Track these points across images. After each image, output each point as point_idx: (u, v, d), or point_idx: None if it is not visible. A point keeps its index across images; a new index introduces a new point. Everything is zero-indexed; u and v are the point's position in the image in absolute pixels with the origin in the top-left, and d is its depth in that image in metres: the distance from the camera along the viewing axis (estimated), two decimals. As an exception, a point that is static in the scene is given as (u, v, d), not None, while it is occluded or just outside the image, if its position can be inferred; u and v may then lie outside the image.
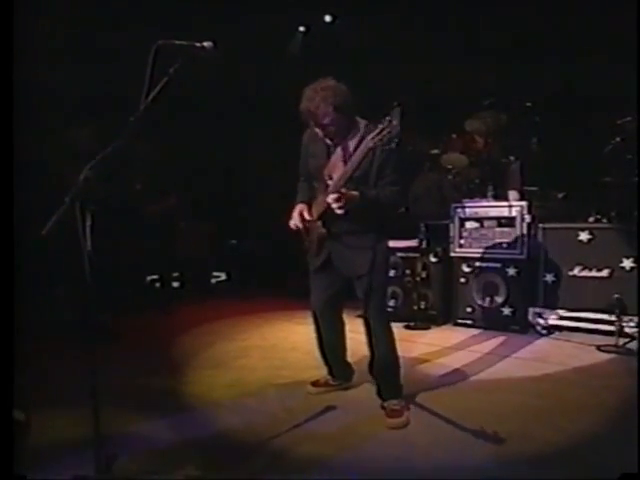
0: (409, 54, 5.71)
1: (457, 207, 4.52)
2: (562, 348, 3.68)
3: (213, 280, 6.97)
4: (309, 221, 2.57)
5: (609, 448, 2.14)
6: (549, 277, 4.05)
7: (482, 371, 3.18)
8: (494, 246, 4.26)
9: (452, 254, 4.50)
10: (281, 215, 2.87)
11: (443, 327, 4.43)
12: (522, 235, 4.12)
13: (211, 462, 2.09)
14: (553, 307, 4.01)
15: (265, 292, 6.17)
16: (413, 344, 3.81)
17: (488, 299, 4.27)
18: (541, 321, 4.04)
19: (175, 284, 6.26)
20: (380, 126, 2.07)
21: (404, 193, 2.66)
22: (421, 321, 4.38)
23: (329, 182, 2.39)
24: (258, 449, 2.18)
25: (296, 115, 2.42)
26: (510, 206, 4.21)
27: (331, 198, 2.26)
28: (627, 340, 3.59)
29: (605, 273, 3.82)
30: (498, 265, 4.23)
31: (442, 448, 2.17)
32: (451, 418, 2.46)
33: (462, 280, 4.42)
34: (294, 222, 2.62)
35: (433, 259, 4.52)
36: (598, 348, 3.56)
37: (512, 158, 4.81)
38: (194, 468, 2.02)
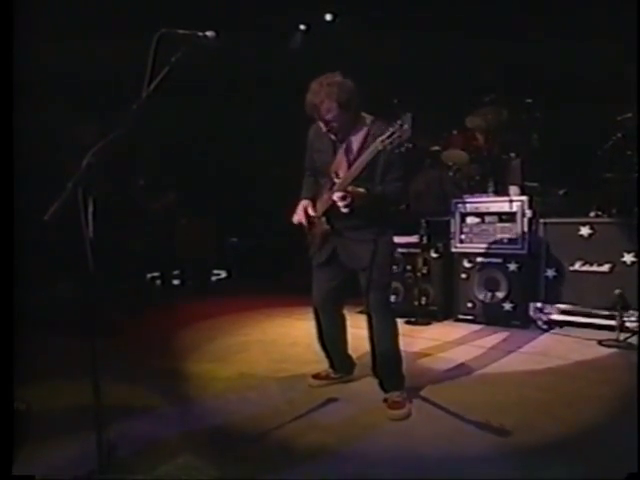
0: (409, 52, 5.72)
1: (458, 203, 4.52)
2: (563, 343, 3.68)
3: (213, 278, 6.97)
4: (313, 217, 2.57)
5: (610, 439, 2.14)
6: (550, 272, 4.04)
7: (483, 365, 3.18)
8: (495, 241, 4.27)
9: (453, 250, 4.51)
10: (281, 212, 2.88)
11: (444, 323, 4.43)
12: (523, 230, 4.12)
13: (213, 453, 2.08)
14: (554, 302, 4.01)
15: (265, 289, 6.18)
16: (414, 339, 3.81)
17: (489, 294, 4.27)
18: (542, 316, 4.04)
19: (175, 282, 6.27)
20: (391, 129, 2.06)
21: (406, 188, 2.66)
22: (422, 317, 4.38)
23: (335, 180, 2.39)
24: (260, 440, 2.18)
25: (297, 112, 2.43)
26: (511, 201, 4.21)
27: (337, 196, 2.26)
28: (628, 335, 3.59)
29: (606, 268, 3.82)
30: (499, 260, 4.23)
31: (444, 439, 2.17)
32: (453, 410, 2.46)
33: (463, 276, 4.42)
34: (298, 218, 2.63)
35: (434, 255, 4.52)
36: (599, 343, 3.56)
37: (513, 154, 4.81)
38: (195, 459, 2.02)
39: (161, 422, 2.38)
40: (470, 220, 4.43)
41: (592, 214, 4.05)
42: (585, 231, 3.92)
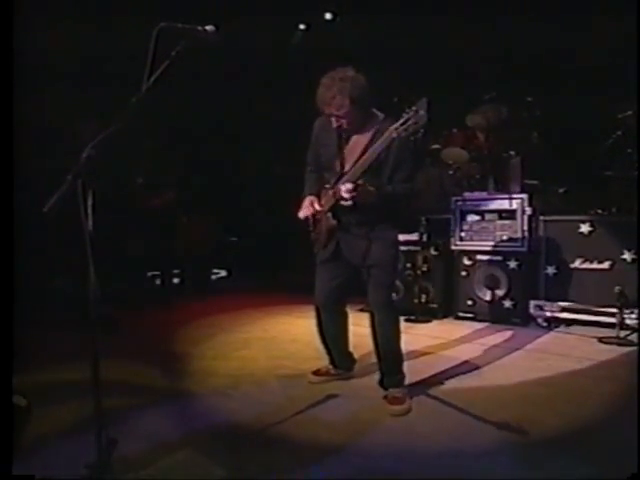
0: (409, 50, 5.72)
1: (458, 200, 4.52)
2: (563, 340, 3.68)
3: (213, 277, 6.97)
4: (319, 212, 2.55)
5: (610, 435, 2.14)
6: (550, 270, 4.04)
7: (483, 362, 3.18)
8: (495, 239, 4.26)
9: (453, 247, 4.51)
10: (281, 212, 2.88)
11: (444, 320, 4.43)
12: (523, 228, 4.12)
13: (213, 450, 2.08)
14: (554, 300, 4.01)
15: (265, 287, 6.18)
16: (414, 337, 3.81)
17: (489, 292, 4.27)
18: (542, 314, 4.04)
19: (175, 280, 6.27)
20: (405, 116, 2.02)
21: (415, 190, 2.64)
22: (422, 314, 4.38)
23: (342, 172, 2.36)
24: (261, 436, 2.17)
25: (298, 111, 2.43)
26: (511, 199, 4.21)
27: (346, 188, 2.23)
28: (628, 332, 3.58)
29: (606, 265, 3.82)
30: (499, 258, 4.23)
31: (444, 435, 2.17)
32: (453, 406, 2.46)
33: (463, 273, 4.42)
34: (304, 213, 2.60)
35: (434, 252, 4.52)
36: (599, 340, 3.56)
37: (513, 153, 4.81)
38: (195, 456, 2.01)
39: (161, 419, 2.38)
40: (470, 218, 4.43)
41: (592, 212, 4.06)
42: (585, 228, 3.92)
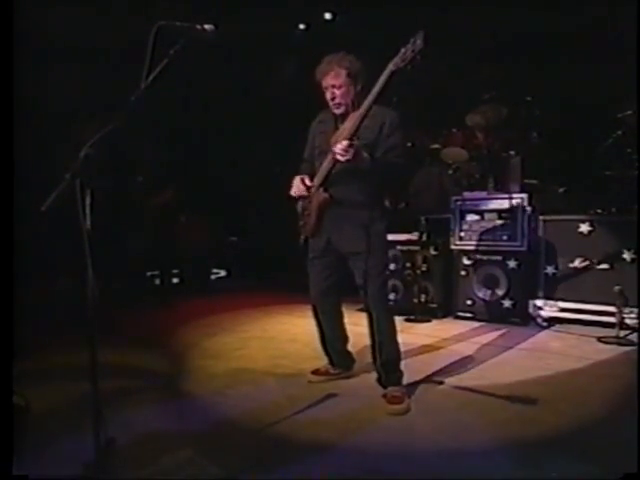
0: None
1: (457, 200, 4.52)
2: (563, 339, 3.67)
3: (213, 277, 6.97)
4: (310, 187, 2.54)
5: (610, 434, 2.14)
6: (550, 269, 4.04)
7: (483, 361, 3.18)
8: (494, 238, 4.26)
9: (452, 247, 4.50)
10: (281, 212, 2.87)
11: (443, 320, 4.43)
12: (522, 227, 4.12)
13: (212, 449, 2.08)
14: (554, 299, 4.01)
15: (265, 287, 6.18)
16: (414, 336, 3.81)
17: (488, 292, 4.27)
18: (542, 313, 4.04)
19: (175, 280, 6.27)
20: (403, 50, 2.04)
21: (407, 167, 2.65)
22: (421, 314, 4.37)
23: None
24: (260, 435, 2.17)
25: (298, 110, 2.43)
26: (510, 198, 4.21)
27: (342, 144, 2.22)
28: (628, 332, 3.58)
29: (606, 265, 3.82)
30: (498, 257, 4.23)
31: (443, 434, 2.17)
32: (452, 404, 2.47)
33: (462, 273, 4.41)
34: (296, 190, 2.59)
35: (433, 252, 4.52)
36: (599, 340, 3.56)
37: (512, 152, 4.81)
38: (194, 455, 2.01)
39: (160, 418, 2.38)
40: (470, 217, 4.43)
41: (592, 211, 4.05)
42: (585, 228, 3.92)
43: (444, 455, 2.01)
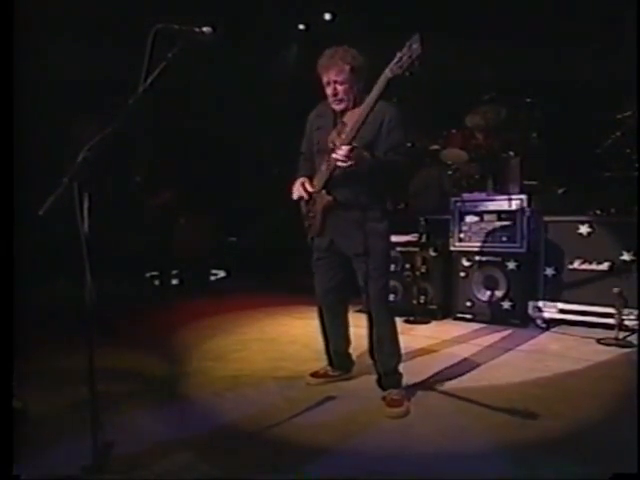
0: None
1: (457, 201, 4.52)
2: (562, 341, 3.67)
3: (212, 277, 6.96)
4: (312, 192, 2.53)
5: (609, 436, 2.14)
6: (549, 271, 4.04)
7: (482, 362, 3.18)
8: (494, 240, 4.26)
9: (452, 248, 4.50)
10: (281, 212, 2.87)
11: (443, 321, 4.42)
12: (522, 229, 4.11)
13: (211, 451, 2.07)
14: (553, 300, 4.00)
15: (264, 288, 6.17)
16: (413, 337, 3.81)
17: (488, 293, 4.26)
18: (541, 315, 4.03)
19: (174, 281, 6.27)
20: (399, 54, 2.01)
21: (408, 164, 2.62)
22: (421, 315, 4.37)
23: (334, 147, 2.34)
24: (258, 438, 2.17)
25: (298, 110, 2.43)
26: (510, 199, 4.20)
27: (343, 151, 2.20)
28: (627, 333, 3.58)
29: (605, 266, 3.81)
30: (498, 259, 4.22)
31: (442, 437, 2.17)
32: (451, 407, 2.46)
33: (462, 274, 4.41)
34: (298, 193, 2.58)
35: (433, 253, 4.51)
36: (598, 341, 3.55)
37: (512, 153, 4.80)
38: (193, 457, 2.01)
39: (159, 420, 2.37)
40: (469, 219, 4.42)
41: (591, 212, 4.05)
42: (584, 229, 3.92)
43: (443, 457, 2.01)
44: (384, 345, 2.53)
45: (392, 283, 4.53)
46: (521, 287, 4.12)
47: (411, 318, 4.34)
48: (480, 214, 4.37)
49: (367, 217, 2.42)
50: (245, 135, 7.00)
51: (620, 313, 3.55)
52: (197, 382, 2.91)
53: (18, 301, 2.02)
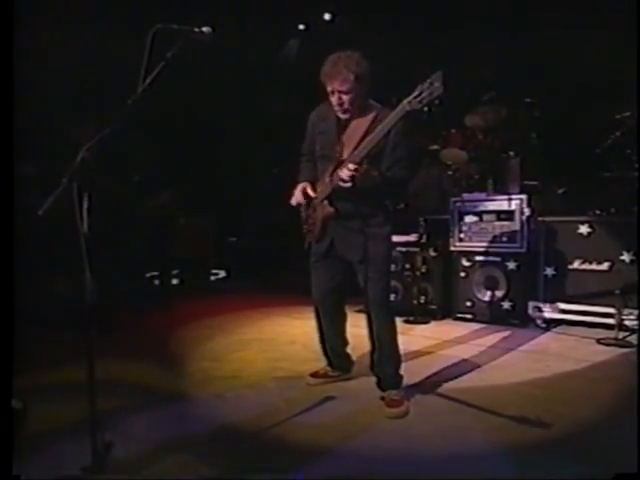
0: (408, 50, 5.72)
1: (457, 201, 4.51)
2: (562, 341, 3.67)
3: (212, 277, 6.96)
4: (313, 199, 2.53)
5: (609, 437, 2.14)
6: (549, 271, 4.04)
7: (482, 362, 3.18)
8: (494, 240, 4.26)
9: (452, 248, 4.50)
10: (281, 212, 2.86)
11: (443, 321, 4.42)
12: (522, 228, 4.11)
13: (210, 452, 2.07)
14: (553, 301, 4.00)
15: (264, 288, 6.17)
16: (413, 337, 3.81)
17: (488, 293, 4.26)
18: (541, 315, 4.03)
19: (174, 281, 6.26)
20: (420, 87, 1.96)
21: (414, 174, 2.60)
22: (421, 315, 4.37)
23: (340, 159, 2.34)
24: (258, 438, 2.17)
25: (297, 110, 2.42)
26: (510, 199, 4.20)
27: (349, 168, 2.18)
28: (627, 333, 3.58)
29: (605, 266, 3.81)
30: (498, 259, 4.22)
31: (442, 437, 2.17)
32: (451, 407, 2.46)
33: (462, 274, 4.41)
34: (296, 199, 2.57)
35: (433, 253, 4.51)
36: (598, 341, 3.55)
37: (512, 153, 4.80)
38: (192, 458, 2.01)
39: (158, 420, 2.37)
40: (469, 219, 4.42)
41: (591, 212, 4.05)
42: (584, 229, 3.92)
43: (443, 458, 2.01)
44: (384, 347, 2.52)
45: (392, 283, 4.51)
46: (521, 287, 4.12)
47: (411, 318, 4.34)
48: (480, 214, 4.37)
49: (369, 224, 2.42)
50: (245, 135, 7.00)
51: (620, 313, 3.55)
52: (196, 382, 2.91)
53: (18, 300, 2.02)
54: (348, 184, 2.22)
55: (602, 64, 4.82)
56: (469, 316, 4.34)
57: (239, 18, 5.75)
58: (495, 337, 3.82)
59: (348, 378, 2.85)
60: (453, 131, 5.29)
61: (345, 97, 2.31)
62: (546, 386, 2.75)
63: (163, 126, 5.91)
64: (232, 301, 5.41)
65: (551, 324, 4.03)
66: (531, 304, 4.08)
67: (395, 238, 4.44)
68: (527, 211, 4.12)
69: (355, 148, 2.26)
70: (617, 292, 3.58)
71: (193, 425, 2.32)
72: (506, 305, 4.17)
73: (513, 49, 5.23)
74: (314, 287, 2.68)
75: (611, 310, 3.64)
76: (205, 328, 4.19)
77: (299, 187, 2.57)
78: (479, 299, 4.30)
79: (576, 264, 3.93)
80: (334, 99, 2.35)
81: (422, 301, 4.44)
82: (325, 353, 2.83)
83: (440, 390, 2.70)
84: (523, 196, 4.18)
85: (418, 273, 4.46)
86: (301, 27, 7.13)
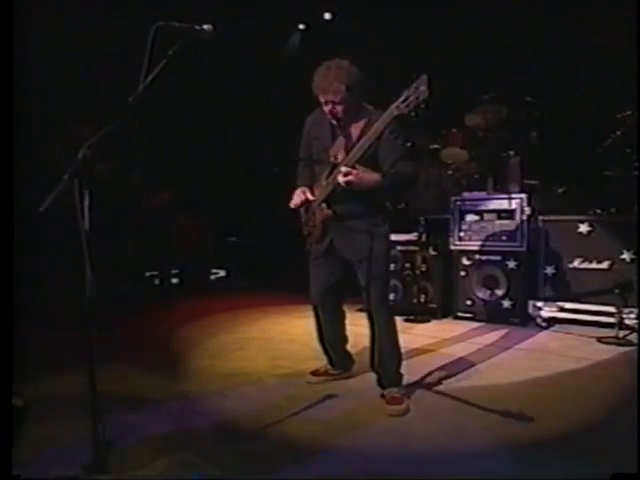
0: (408, 50, 5.72)
1: (457, 200, 4.52)
2: (562, 340, 3.67)
3: (212, 277, 6.96)
4: (311, 202, 2.55)
5: (609, 436, 2.14)
6: (549, 269, 4.04)
7: (482, 361, 3.18)
8: (494, 239, 4.26)
9: (452, 247, 4.50)
10: (281, 212, 2.87)
11: (443, 320, 4.42)
12: (522, 227, 4.11)
13: (211, 449, 2.07)
14: (553, 300, 4.01)
15: (264, 287, 6.17)
16: (413, 336, 3.81)
17: (488, 292, 4.26)
18: (541, 314, 4.03)
19: (174, 280, 6.26)
20: (405, 93, 1.99)
21: (417, 167, 2.59)
22: (421, 314, 4.37)
23: (335, 162, 2.35)
24: (258, 436, 2.17)
25: (297, 110, 2.42)
26: (510, 198, 4.21)
27: (343, 172, 2.20)
28: (627, 332, 3.58)
29: (605, 265, 3.82)
30: (498, 258, 4.23)
31: (442, 435, 2.17)
32: (451, 405, 2.46)
33: (462, 273, 4.41)
34: (295, 202, 2.59)
35: (433, 252, 4.51)
36: (599, 340, 3.55)
37: (512, 153, 4.80)
38: (193, 455, 2.01)
39: (159, 418, 2.37)
40: (469, 218, 4.43)
41: (591, 212, 4.05)
42: (584, 228, 3.92)
43: (443, 456, 2.01)
44: (384, 346, 2.52)
45: (392, 282, 4.54)
46: (521, 286, 4.13)
47: (411, 317, 4.35)
48: (480, 213, 4.38)
49: (367, 223, 2.43)
50: (245, 134, 7.00)
51: (620, 312, 3.55)
52: (197, 380, 2.91)
53: (18, 299, 2.02)
54: (347, 179, 2.23)
55: (602, 64, 4.82)
56: (469, 315, 4.34)
57: (239, 18, 5.75)
58: (495, 336, 3.82)
59: (349, 376, 2.85)
60: (453, 130, 5.30)
61: (338, 107, 2.35)
62: (546, 385, 2.75)
63: (163, 125, 5.91)
64: (232, 300, 5.41)
65: (551, 323, 4.03)
66: (531, 303, 4.09)
67: (395, 237, 4.47)
68: (527, 210, 4.13)
69: (349, 152, 2.30)
70: (617, 291, 3.59)
71: (193, 423, 2.32)
72: (506, 304, 4.17)
73: (513, 48, 5.23)
74: (313, 285, 2.69)
75: (611, 309, 3.64)
76: (205, 327, 4.19)
77: (297, 191, 2.61)
78: (479, 298, 4.31)
79: (576, 263, 3.93)
80: (327, 109, 2.38)
81: (422, 300, 4.45)
82: (325, 351, 2.83)
83: (440, 388, 2.71)
84: (523, 195, 4.18)
85: (418, 272, 4.46)
86: (301, 27, 7.13)
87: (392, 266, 4.53)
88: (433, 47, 5.59)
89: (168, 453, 2.01)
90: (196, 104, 6.35)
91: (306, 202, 2.57)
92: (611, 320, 3.63)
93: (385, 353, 2.53)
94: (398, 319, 2.68)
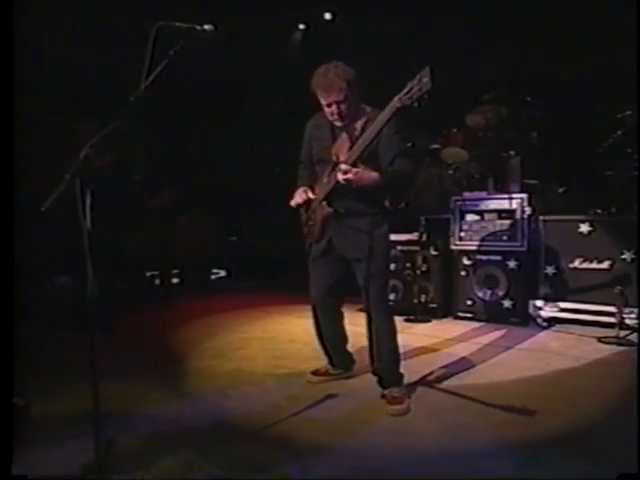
0: (409, 50, 5.72)
1: (457, 200, 4.52)
2: (563, 340, 3.67)
3: (213, 277, 6.97)
4: (312, 200, 2.56)
5: (610, 435, 2.14)
6: (550, 269, 4.04)
7: (483, 361, 3.18)
8: (494, 238, 4.26)
9: (452, 247, 4.50)
10: (281, 212, 2.87)
11: (443, 320, 4.42)
12: (522, 227, 4.11)
13: (212, 449, 2.07)
14: (554, 299, 4.01)
15: (265, 287, 6.18)
16: (414, 336, 3.81)
17: (489, 292, 4.27)
18: (541, 313, 4.03)
19: (175, 280, 6.27)
20: (409, 85, 1.99)
21: (416, 165, 2.59)
22: (421, 314, 4.37)
23: (336, 162, 2.35)
24: (259, 436, 2.17)
25: (297, 110, 2.43)
26: (510, 198, 4.21)
27: (344, 170, 2.21)
28: (628, 332, 3.58)
29: (606, 265, 3.82)
30: (498, 258, 4.23)
31: (443, 435, 2.17)
32: (452, 404, 2.47)
33: (462, 273, 4.41)
34: (295, 200, 2.60)
35: (433, 252, 4.51)
36: (599, 340, 3.55)
37: (512, 152, 4.80)
38: (194, 455, 2.01)
39: (160, 418, 2.37)
40: (470, 217, 4.43)
41: (592, 212, 4.05)
42: (585, 228, 3.92)
43: (444, 455, 2.01)
44: (383, 345, 2.53)
45: (393, 282, 4.55)
46: (522, 286, 4.13)
47: (412, 317, 4.35)
48: (481, 213, 4.37)
49: (367, 221, 2.44)
50: (245, 134, 7.00)
51: (621, 312, 3.55)
52: (198, 380, 2.91)
53: (19, 299, 2.02)
54: (347, 183, 2.24)
55: (603, 63, 4.82)
56: (470, 315, 4.34)
57: (240, 18, 5.75)
58: (495, 335, 3.82)
59: (349, 376, 2.86)
60: (454, 130, 5.29)
61: (343, 106, 2.36)
62: (547, 384, 2.75)
63: (164, 125, 5.91)
64: (232, 300, 5.42)
65: (551, 323, 4.04)
66: (531, 303, 4.09)
67: (396, 237, 4.47)
68: (528, 210, 4.13)
69: (349, 149, 2.31)
70: (617, 291, 3.59)
71: (194, 423, 2.32)
72: (506, 304, 4.17)
73: (514, 48, 5.23)
74: (312, 285, 2.69)
75: (612, 309, 3.64)
76: (206, 326, 4.20)
77: (299, 190, 2.62)
78: (480, 298, 4.31)
79: (577, 263, 3.93)
80: (331, 110, 2.39)
81: (423, 300, 4.45)
82: (326, 352, 2.83)
83: (441, 387, 2.71)
84: (524, 195, 4.18)
85: (419, 272, 4.46)
86: (301, 27, 7.14)
87: (392, 266, 4.54)
88: (434, 46, 5.59)
89: (169, 453, 2.01)
90: (196, 104, 6.35)
91: (307, 201, 2.58)
92: (611, 320, 3.63)
93: (384, 353, 2.54)
94: (398, 319, 2.68)
